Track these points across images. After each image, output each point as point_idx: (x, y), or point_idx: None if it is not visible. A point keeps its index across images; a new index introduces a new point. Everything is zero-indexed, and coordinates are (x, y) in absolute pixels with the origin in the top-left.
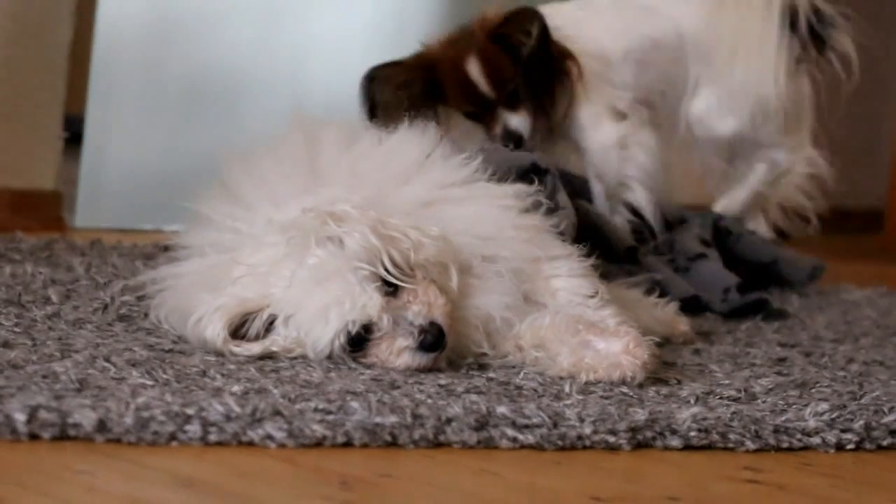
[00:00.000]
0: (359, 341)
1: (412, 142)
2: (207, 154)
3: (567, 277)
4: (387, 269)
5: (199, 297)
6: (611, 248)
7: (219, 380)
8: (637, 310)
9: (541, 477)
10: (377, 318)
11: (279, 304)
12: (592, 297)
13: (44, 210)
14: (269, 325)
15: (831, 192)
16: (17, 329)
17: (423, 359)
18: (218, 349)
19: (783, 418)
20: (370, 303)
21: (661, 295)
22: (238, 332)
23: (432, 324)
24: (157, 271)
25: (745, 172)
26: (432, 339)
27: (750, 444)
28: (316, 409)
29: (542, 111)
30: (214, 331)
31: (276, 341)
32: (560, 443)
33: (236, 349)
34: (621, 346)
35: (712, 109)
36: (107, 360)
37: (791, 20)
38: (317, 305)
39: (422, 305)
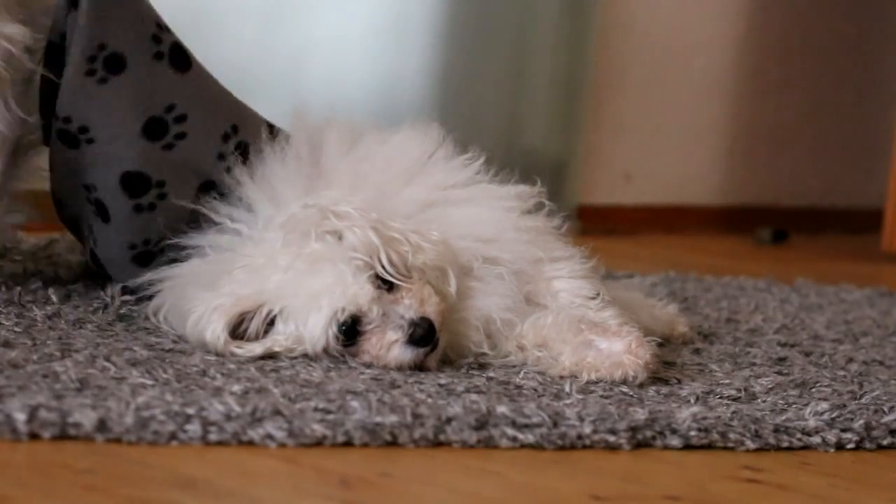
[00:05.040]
0: (350, 333)
1: (415, 143)
2: None
3: (568, 279)
4: (383, 267)
5: (197, 295)
6: None
7: (219, 379)
8: (637, 310)
9: (541, 476)
10: (367, 309)
11: (274, 295)
12: (594, 298)
13: (44, 210)
14: (270, 324)
15: (831, 192)
16: (17, 329)
17: (412, 354)
18: (219, 351)
19: (783, 418)
20: (361, 292)
21: None
22: (237, 330)
23: (423, 318)
24: (156, 273)
25: None
26: (422, 333)
27: (750, 444)
28: (316, 409)
29: None
30: (214, 333)
31: (278, 341)
32: (560, 442)
33: (238, 350)
34: (623, 345)
35: None
36: (107, 359)
37: None
38: (308, 293)
39: (414, 300)
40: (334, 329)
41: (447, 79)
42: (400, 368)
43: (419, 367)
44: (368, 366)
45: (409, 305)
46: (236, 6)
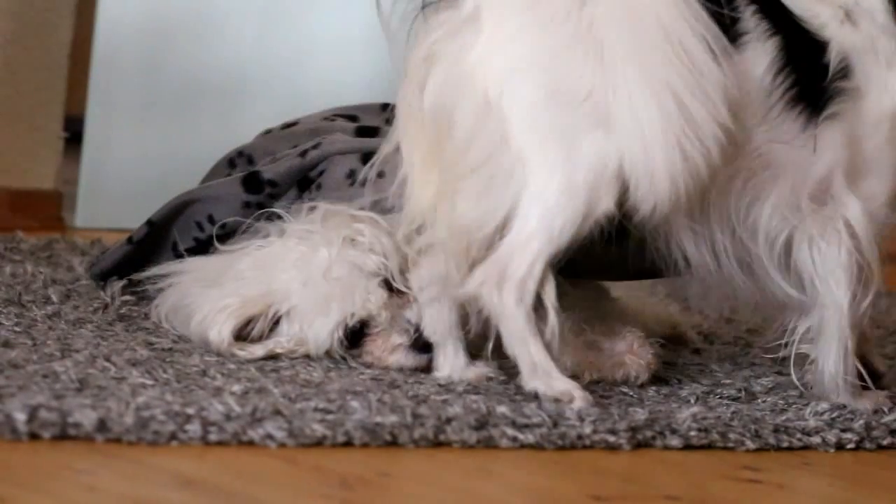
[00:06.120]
0: (355, 336)
1: None
2: (207, 154)
3: None
4: (394, 275)
5: (203, 293)
6: None
7: (219, 379)
8: (638, 310)
9: (541, 477)
10: (376, 314)
11: (281, 295)
12: None
13: (44, 210)
14: (274, 324)
15: None
16: (17, 329)
17: (415, 358)
18: (221, 351)
19: (783, 418)
20: (372, 298)
21: None
22: (242, 331)
23: None
24: (161, 267)
25: None
26: (426, 340)
27: (750, 444)
28: (316, 409)
29: None
30: (220, 335)
31: (280, 342)
32: (560, 442)
33: (240, 352)
34: (625, 345)
35: None
36: (107, 359)
37: None
38: (319, 297)
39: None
40: (340, 333)
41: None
42: (401, 370)
43: (425, 370)
44: (368, 366)
45: (416, 311)
46: (236, 6)
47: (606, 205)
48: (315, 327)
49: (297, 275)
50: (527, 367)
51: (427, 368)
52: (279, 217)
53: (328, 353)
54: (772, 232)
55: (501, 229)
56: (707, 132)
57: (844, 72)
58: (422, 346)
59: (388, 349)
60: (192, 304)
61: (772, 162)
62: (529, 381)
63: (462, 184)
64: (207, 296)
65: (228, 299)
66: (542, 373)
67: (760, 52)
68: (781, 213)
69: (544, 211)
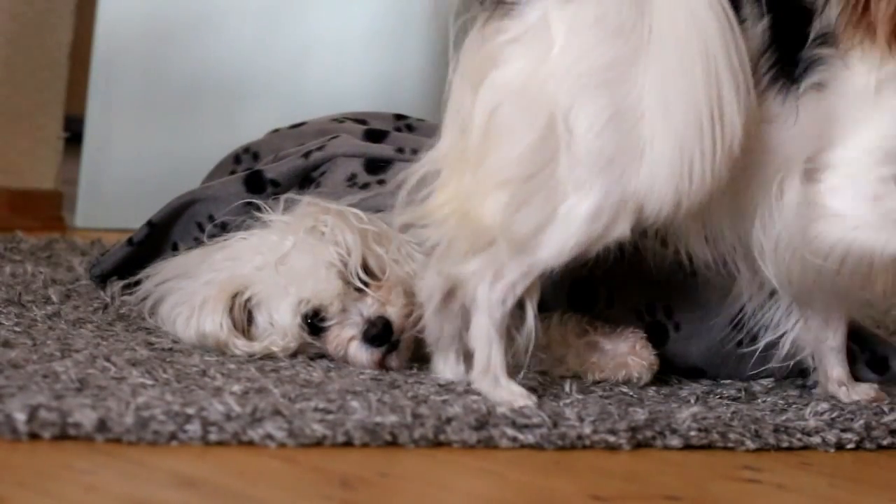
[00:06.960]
0: (315, 327)
1: None
2: (207, 154)
3: None
4: (357, 270)
5: (178, 286)
6: None
7: (219, 379)
8: None
9: (541, 477)
10: (328, 303)
11: (248, 279)
12: None
13: (44, 210)
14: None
15: None
16: (17, 329)
17: (367, 352)
18: (221, 341)
19: (783, 418)
20: (328, 288)
21: None
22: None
23: (379, 317)
24: (153, 266)
25: None
26: (376, 332)
27: (750, 444)
28: (316, 409)
29: None
30: (215, 322)
31: (275, 341)
32: (560, 442)
33: (238, 342)
34: (628, 346)
35: None
36: (107, 359)
37: None
38: (278, 284)
39: (375, 300)
40: (298, 319)
41: (447, 79)
42: (361, 366)
43: (382, 366)
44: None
45: (369, 304)
46: (236, 6)
47: (622, 230)
48: (280, 311)
49: (261, 261)
50: (480, 365)
51: (381, 364)
52: (259, 209)
53: (308, 346)
54: (763, 216)
55: (522, 242)
56: (720, 160)
57: (826, 38)
58: (372, 338)
59: (342, 342)
60: (172, 300)
61: (759, 144)
62: (476, 380)
63: (498, 191)
64: (182, 288)
65: (206, 291)
66: (491, 377)
67: (753, 37)
68: (768, 197)
69: (564, 232)
